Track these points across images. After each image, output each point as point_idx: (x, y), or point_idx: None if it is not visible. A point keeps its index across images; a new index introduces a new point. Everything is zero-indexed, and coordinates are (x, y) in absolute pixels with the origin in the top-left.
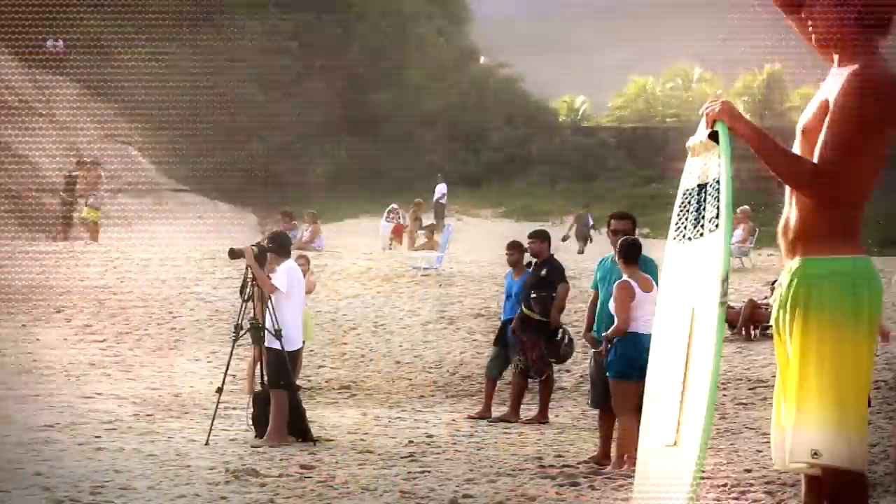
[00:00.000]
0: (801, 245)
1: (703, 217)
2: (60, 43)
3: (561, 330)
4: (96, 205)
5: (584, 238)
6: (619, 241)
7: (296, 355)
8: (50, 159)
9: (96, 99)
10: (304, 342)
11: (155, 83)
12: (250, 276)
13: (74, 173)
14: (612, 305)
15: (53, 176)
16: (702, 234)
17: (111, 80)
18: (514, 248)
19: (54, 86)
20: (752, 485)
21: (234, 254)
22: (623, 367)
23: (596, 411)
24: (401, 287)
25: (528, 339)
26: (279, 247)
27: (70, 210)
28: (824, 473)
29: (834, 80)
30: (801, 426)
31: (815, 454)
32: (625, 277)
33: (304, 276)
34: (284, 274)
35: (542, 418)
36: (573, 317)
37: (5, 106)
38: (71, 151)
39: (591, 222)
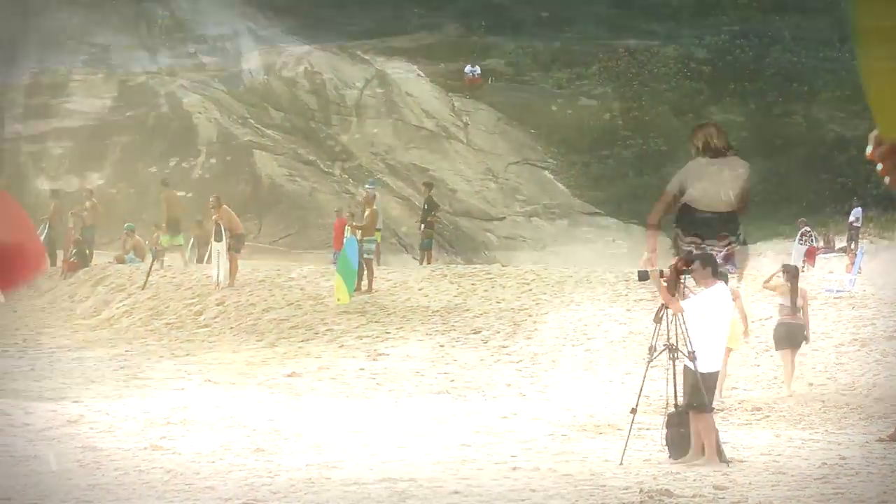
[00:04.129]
0: None
1: None
2: (477, 69)
3: None
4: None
5: None
6: None
7: (712, 377)
8: (467, 183)
9: (512, 123)
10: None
11: (569, 107)
12: None
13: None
14: None
15: (469, 199)
16: None
17: (527, 105)
18: None
19: (471, 111)
20: None
21: (643, 276)
22: None
23: None
24: (814, 309)
25: None
26: (704, 268)
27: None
28: None
29: None
30: None
31: None
32: None
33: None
34: (701, 297)
35: None
36: None
37: (423, 130)
38: (487, 176)
39: None
